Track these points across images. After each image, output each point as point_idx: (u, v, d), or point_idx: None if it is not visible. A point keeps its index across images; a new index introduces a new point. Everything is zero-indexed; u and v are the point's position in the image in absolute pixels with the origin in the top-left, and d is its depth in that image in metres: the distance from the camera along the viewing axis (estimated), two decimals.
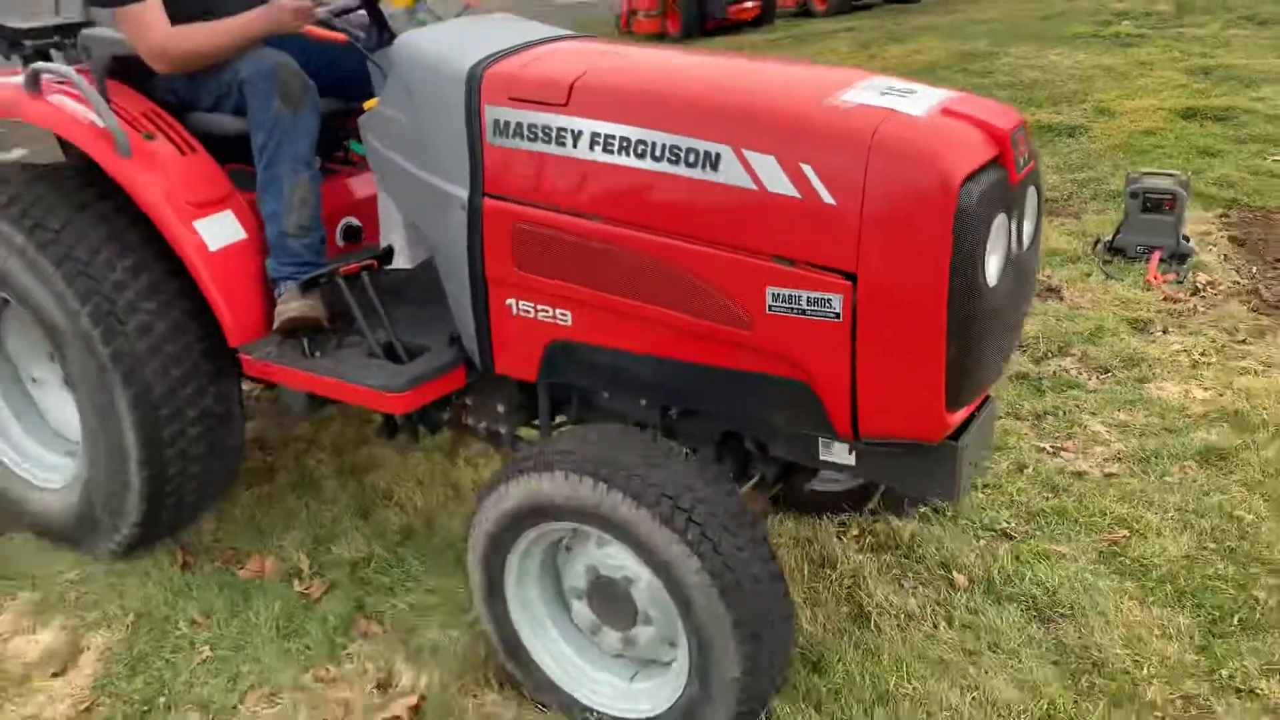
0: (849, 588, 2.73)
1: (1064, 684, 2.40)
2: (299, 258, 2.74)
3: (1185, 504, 3.04)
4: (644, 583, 2.19)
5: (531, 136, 2.27)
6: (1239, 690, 2.37)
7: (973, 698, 2.35)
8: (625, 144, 2.16)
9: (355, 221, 3.13)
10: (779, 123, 2.06)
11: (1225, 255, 4.89)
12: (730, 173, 2.05)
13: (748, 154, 2.03)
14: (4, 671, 2.68)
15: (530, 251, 2.33)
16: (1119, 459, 3.32)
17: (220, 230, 2.74)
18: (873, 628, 2.59)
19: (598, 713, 2.32)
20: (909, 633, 2.57)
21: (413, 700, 2.46)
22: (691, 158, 2.09)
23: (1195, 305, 4.40)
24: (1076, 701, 2.34)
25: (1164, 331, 4.18)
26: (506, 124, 2.29)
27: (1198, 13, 9.93)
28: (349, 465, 3.49)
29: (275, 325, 2.72)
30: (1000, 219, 1.98)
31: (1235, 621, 2.58)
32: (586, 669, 2.39)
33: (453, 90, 2.36)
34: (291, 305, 2.69)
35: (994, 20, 11.48)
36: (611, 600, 2.27)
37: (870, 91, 2.10)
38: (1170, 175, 4.96)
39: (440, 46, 2.47)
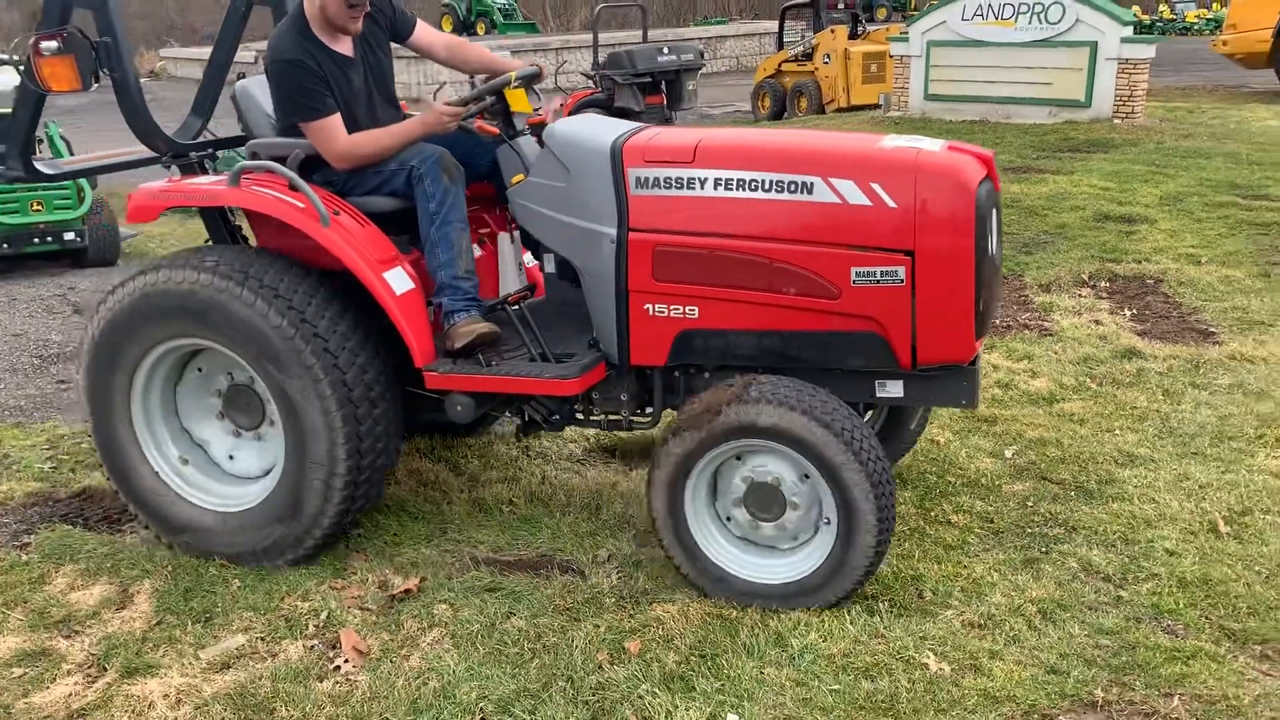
0: None
1: None
2: (468, 294, 3.51)
3: None
4: (790, 480, 3.11)
5: (667, 185, 3.24)
6: (939, 521, 3.82)
7: None
8: (741, 183, 3.15)
9: None
10: (852, 159, 3.13)
11: None
12: (821, 194, 3.08)
13: (833, 180, 3.07)
14: (76, 612, 3.47)
15: (667, 266, 3.24)
16: None
17: (399, 280, 3.44)
18: None
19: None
20: None
21: (413, 583, 3.50)
22: (792, 187, 3.10)
23: None
24: None
25: None
26: (646, 179, 3.25)
27: None
28: None
29: (462, 343, 3.40)
30: (993, 212, 3.10)
31: (920, 493, 4.04)
32: (744, 556, 3.27)
33: (600, 159, 3.30)
34: (476, 326, 3.42)
35: None
36: (765, 498, 3.16)
37: (897, 140, 3.24)
38: None
39: (582, 132, 3.45)
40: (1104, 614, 3.19)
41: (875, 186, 3.03)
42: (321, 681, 3.05)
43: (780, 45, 19.43)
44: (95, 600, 3.53)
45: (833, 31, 17.47)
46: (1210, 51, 17.67)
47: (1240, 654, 2.99)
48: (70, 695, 3.05)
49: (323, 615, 3.37)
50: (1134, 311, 6.23)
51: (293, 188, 3.44)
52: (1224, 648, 3.01)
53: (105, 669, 3.16)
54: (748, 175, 3.14)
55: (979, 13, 12.87)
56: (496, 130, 3.52)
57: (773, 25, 24.29)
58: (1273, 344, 5.45)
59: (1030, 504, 3.93)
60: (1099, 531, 3.68)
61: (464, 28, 32.63)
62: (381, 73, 3.77)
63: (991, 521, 3.80)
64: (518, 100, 3.52)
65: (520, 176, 3.48)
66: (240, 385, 3.69)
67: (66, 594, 3.58)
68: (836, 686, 2.87)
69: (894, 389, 3.23)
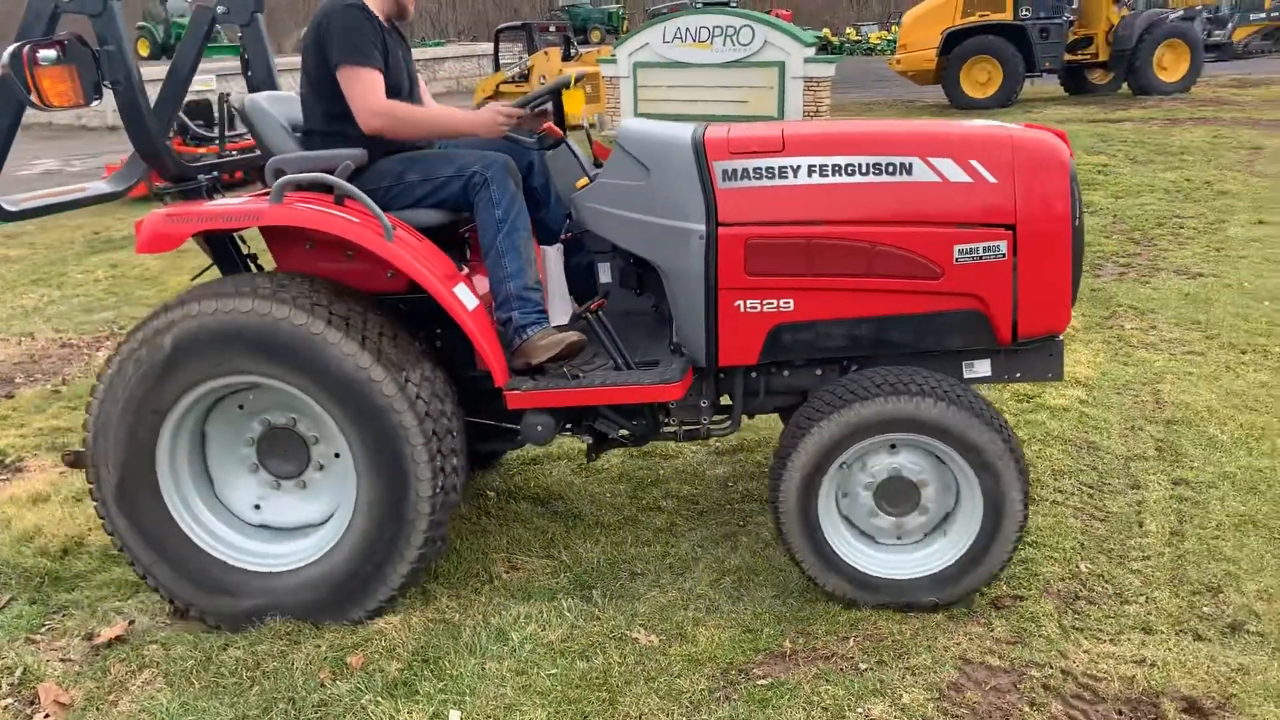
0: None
1: (559, 526, 3.96)
2: (538, 306, 3.29)
3: None
4: (920, 469, 3.14)
5: (757, 176, 3.16)
6: (650, 509, 4.08)
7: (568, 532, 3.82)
8: (836, 168, 3.13)
9: None
10: (948, 138, 3.17)
11: None
12: (920, 174, 3.11)
13: (932, 160, 3.10)
14: None
15: (760, 259, 3.15)
16: None
17: (467, 295, 3.20)
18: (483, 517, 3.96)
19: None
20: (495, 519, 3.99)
21: (121, 627, 3.36)
22: (890, 169, 3.11)
23: None
24: (567, 531, 3.91)
25: None
26: (733, 171, 3.16)
27: None
28: None
29: (545, 357, 3.18)
30: (1077, 184, 3.18)
31: (633, 484, 4.31)
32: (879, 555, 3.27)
33: (682, 154, 3.20)
34: (562, 337, 3.19)
35: None
36: (898, 491, 3.16)
37: (979, 122, 3.32)
38: None
39: (654, 129, 3.36)
40: (790, 575, 3.53)
41: (974, 163, 3.10)
42: None
43: (497, 66, 19.69)
44: None
45: (546, 54, 17.91)
46: (888, 69, 19.50)
47: None
48: None
49: (18, 672, 3.18)
50: None
51: (339, 200, 3.18)
52: None
53: None
54: (843, 160, 3.14)
55: (679, 35, 13.65)
56: (560, 133, 3.46)
57: (489, 47, 24.53)
58: None
59: (730, 484, 4.28)
60: None
61: (163, 51, 30.74)
62: (412, 72, 3.60)
63: (696, 503, 4.12)
64: (574, 102, 3.45)
65: (585, 180, 3.37)
66: (280, 429, 3.33)
67: None
68: (554, 670, 3.04)
69: (982, 369, 3.30)
